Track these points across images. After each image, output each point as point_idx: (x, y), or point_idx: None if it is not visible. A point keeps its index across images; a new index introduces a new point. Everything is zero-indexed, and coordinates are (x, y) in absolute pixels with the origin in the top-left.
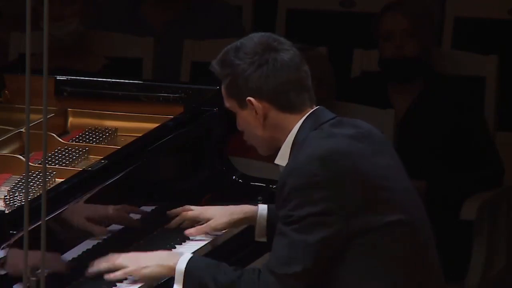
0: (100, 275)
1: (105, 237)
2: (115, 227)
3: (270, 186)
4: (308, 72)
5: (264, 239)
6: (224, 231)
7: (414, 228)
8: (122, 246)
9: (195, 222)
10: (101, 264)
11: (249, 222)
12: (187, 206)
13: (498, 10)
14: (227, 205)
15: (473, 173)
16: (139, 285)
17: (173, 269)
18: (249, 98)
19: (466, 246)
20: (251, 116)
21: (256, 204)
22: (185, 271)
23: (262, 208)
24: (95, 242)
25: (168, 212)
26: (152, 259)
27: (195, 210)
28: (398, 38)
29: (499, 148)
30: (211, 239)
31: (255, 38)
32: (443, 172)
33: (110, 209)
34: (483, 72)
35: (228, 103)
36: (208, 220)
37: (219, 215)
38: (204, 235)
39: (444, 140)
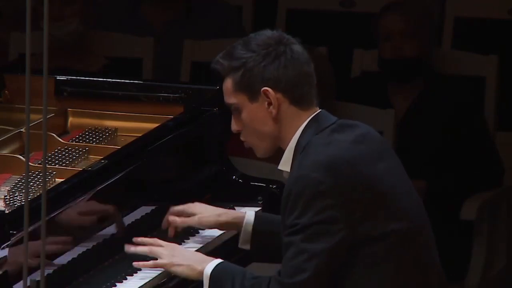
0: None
1: (105, 237)
2: (116, 226)
3: (270, 186)
4: (313, 69)
5: (247, 247)
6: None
7: (417, 234)
8: (121, 246)
9: (183, 216)
10: (139, 247)
11: (235, 227)
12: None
13: (498, 10)
14: (227, 205)
15: (473, 173)
16: (139, 285)
17: (201, 273)
18: (265, 88)
19: (466, 246)
20: (261, 109)
21: (257, 202)
22: (210, 275)
23: (250, 215)
24: (95, 242)
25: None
26: (186, 259)
27: (184, 205)
28: (397, 38)
29: (499, 148)
30: (202, 244)
31: (266, 32)
32: (443, 172)
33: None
34: (483, 72)
35: (234, 99)
36: (194, 213)
37: (207, 213)
38: (195, 242)
39: (444, 140)
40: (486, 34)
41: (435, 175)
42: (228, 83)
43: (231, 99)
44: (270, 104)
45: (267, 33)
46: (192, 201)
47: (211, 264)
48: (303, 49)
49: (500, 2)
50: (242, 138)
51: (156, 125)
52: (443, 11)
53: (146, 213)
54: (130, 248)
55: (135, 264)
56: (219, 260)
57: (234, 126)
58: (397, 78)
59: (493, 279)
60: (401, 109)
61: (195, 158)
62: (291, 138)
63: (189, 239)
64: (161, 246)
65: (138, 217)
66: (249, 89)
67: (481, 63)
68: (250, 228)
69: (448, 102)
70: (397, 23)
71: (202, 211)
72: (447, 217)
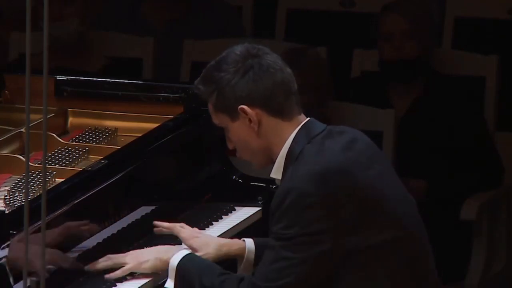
0: (99, 273)
1: (105, 237)
2: (115, 227)
3: (270, 186)
4: (292, 75)
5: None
6: None
7: (410, 242)
8: (121, 246)
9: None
10: (102, 262)
11: (237, 257)
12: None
13: (498, 10)
14: (227, 205)
15: (473, 173)
16: (139, 284)
17: (167, 263)
18: (241, 106)
19: (466, 246)
20: (244, 127)
21: (257, 202)
22: (177, 267)
23: (250, 242)
24: (95, 242)
25: (155, 223)
26: (151, 253)
27: (184, 232)
28: (397, 38)
29: (499, 148)
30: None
31: (234, 49)
32: (443, 172)
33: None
34: (483, 72)
35: (217, 120)
36: (192, 249)
37: (205, 248)
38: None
39: (444, 140)
40: (486, 34)
41: (435, 175)
42: (210, 106)
43: (216, 120)
44: (250, 120)
45: (236, 49)
46: (192, 202)
47: (177, 255)
48: (275, 57)
49: (500, 2)
50: (237, 155)
51: (156, 125)
52: (443, 11)
53: (146, 213)
54: (94, 266)
55: (106, 276)
56: (185, 251)
57: (229, 145)
58: (397, 78)
59: (493, 279)
60: (401, 109)
61: (195, 158)
62: (281, 149)
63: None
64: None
65: (138, 217)
66: (227, 109)
67: (481, 63)
68: (252, 255)
69: (448, 102)
70: (397, 23)
71: (199, 247)
72: (447, 217)
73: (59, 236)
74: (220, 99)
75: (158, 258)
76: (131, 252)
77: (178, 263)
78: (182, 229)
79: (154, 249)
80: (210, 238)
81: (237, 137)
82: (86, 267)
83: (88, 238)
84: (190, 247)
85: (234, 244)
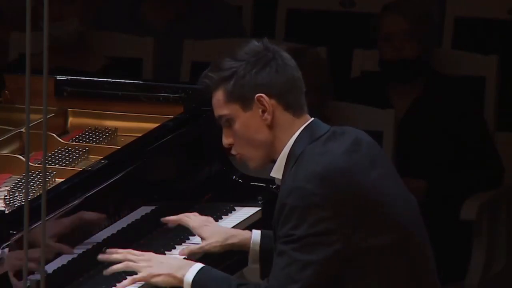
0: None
1: (105, 237)
2: (115, 227)
3: (270, 186)
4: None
5: (257, 266)
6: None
7: (411, 242)
8: (121, 247)
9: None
10: (115, 266)
11: (242, 247)
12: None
13: (498, 10)
14: (227, 205)
15: (473, 173)
16: (139, 285)
17: (182, 281)
18: (259, 95)
19: (466, 246)
20: (255, 118)
21: (257, 202)
22: (192, 282)
23: (256, 234)
24: (94, 242)
25: (162, 219)
26: (164, 267)
27: (194, 221)
28: (397, 38)
29: (499, 148)
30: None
31: (252, 41)
32: (443, 172)
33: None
34: (483, 72)
35: (226, 110)
36: (201, 237)
37: (214, 238)
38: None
39: (444, 140)
40: (486, 34)
41: (435, 175)
42: (219, 95)
43: (223, 110)
44: (264, 111)
45: (253, 42)
46: (192, 202)
47: (192, 270)
48: (290, 56)
49: (500, 2)
50: (234, 152)
51: (156, 125)
52: (443, 11)
53: (146, 213)
54: (106, 257)
55: (107, 271)
56: (199, 265)
57: (226, 140)
58: (397, 78)
59: (493, 279)
60: (401, 109)
61: (195, 158)
62: (284, 147)
63: (175, 248)
64: (135, 256)
65: (138, 217)
66: (242, 97)
67: (481, 63)
68: (257, 247)
69: (448, 102)
70: (397, 23)
71: (208, 236)
72: (447, 217)
73: (69, 226)
74: (237, 86)
75: (171, 275)
76: (146, 256)
77: (193, 279)
78: (190, 219)
79: (167, 261)
80: (219, 228)
81: (245, 129)
82: (100, 256)
83: (97, 232)
84: (199, 235)
85: (241, 234)
